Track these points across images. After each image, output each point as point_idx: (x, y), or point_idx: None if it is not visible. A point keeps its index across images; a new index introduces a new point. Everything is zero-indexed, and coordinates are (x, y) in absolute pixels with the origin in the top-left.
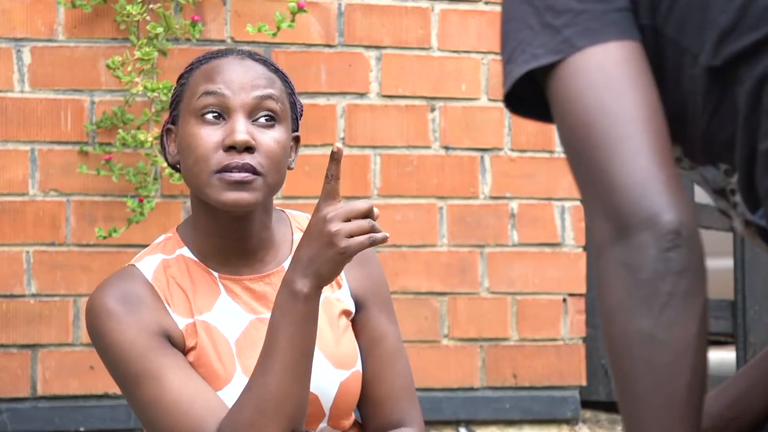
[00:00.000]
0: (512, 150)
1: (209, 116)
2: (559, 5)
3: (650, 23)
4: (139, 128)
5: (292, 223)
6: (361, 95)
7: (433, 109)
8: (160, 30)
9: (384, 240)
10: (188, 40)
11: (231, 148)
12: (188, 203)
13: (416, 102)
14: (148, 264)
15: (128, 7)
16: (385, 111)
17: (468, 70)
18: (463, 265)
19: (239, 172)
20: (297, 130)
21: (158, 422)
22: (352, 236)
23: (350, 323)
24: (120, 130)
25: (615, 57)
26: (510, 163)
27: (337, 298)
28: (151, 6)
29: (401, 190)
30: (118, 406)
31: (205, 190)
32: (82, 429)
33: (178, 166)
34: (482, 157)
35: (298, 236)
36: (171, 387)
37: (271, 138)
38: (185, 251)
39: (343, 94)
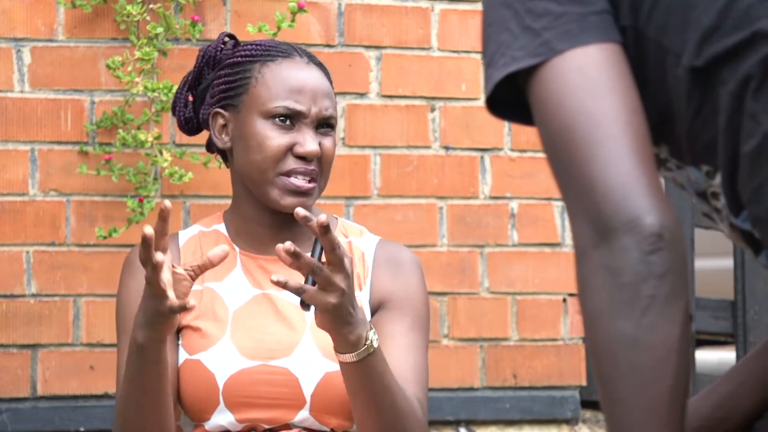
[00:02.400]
0: (512, 150)
1: (279, 120)
2: (538, 8)
3: (632, 24)
4: (139, 128)
5: (338, 226)
6: (361, 95)
7: (433, 109)
8: (160, 30)
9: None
10: (188, 40)
11: (301, 157)
12: (188, 203)
13: (416, 102)
14: (187, 232)
15: (128, 7)
16: (385, 111)
17: (468, 70)
18: (463, 265)
19: (303, 177)
20: None
21: (117, 372)
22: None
23: None
24: (120, 130)
25: (595, 60)
26: (510, 163)
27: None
28: (151, 6)
29: (401, 190)
30: None
31: (265, 188)
32: (82, 429)
33: (221, 151)
34: (482, 157)
35: (338, 238)
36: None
37: (330, 143)
38: (221, 227)
39: (343, 94)
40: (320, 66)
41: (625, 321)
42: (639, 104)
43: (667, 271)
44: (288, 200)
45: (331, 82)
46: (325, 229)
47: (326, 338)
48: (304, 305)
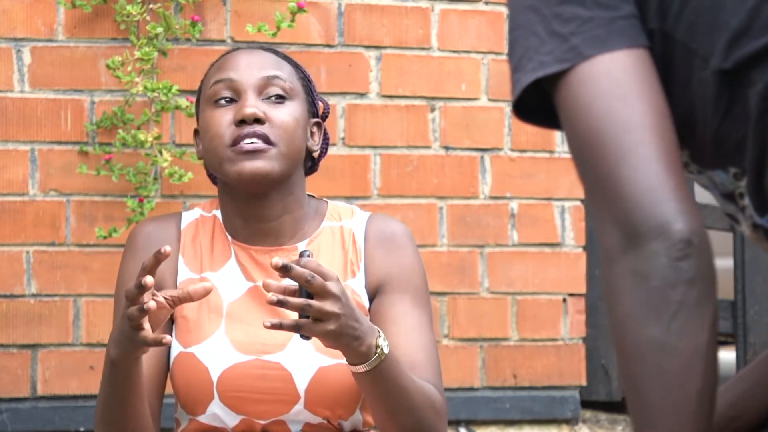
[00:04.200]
0: (512, 150)
1: (222, 101)
2: (566, 13)
3: (659, 27)
4: (139, 128)
5: (328, 211)
6: (361, 95)
7: (433, 109)
8: (160, 30)
9: (147, 311)
10: (188, 40)
11: (242, 122)
12: (188, 203)
13: (416, 102)
14: (189, 215)
15: (128, 7)
16: (385, 111)
17: (468, 70)
18: (463, 265)
19: (251, 140)
20: (317, 116)
21: None
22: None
23: None
24: (120, 130)
25: (623, 65)
26: (510, 163)
27: (347, 286)
28: (151, 6)
29: (401, 190)
30: None
31: (223, 166)
32: (82, 429)
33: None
34: (482, 157)
35: (328, 224)
36: None
37: (281, 112)
38: (219, 213)
39: (343, 94)
40: (274, 52)
41: (654, 326)
42: (666, 109)
43: (695, 276)
44: (245, 165)
45: (292, 65)
46: (284, 269)
47: None
48: (305, 337)
